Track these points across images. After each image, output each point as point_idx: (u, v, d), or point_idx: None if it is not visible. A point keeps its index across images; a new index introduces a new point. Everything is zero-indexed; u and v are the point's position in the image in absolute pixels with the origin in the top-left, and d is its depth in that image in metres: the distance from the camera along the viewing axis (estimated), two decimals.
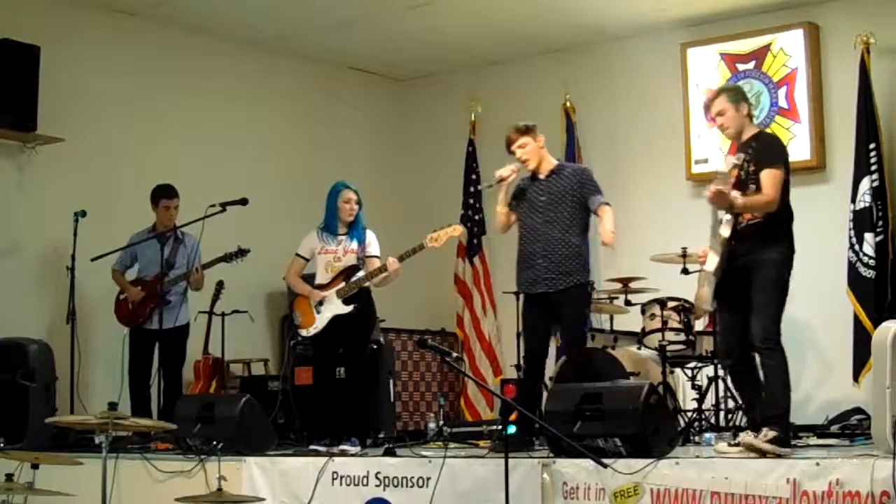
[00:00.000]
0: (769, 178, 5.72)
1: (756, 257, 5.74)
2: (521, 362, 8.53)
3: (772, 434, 5.46)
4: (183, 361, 8.27)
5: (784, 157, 5.84)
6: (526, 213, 6.91)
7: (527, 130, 6.90)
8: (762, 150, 5.83)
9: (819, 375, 8.55)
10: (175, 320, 8.10)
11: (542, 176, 6.90)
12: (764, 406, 5.73)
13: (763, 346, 5.68)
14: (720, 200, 5.72)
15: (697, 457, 5.55)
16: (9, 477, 5.53)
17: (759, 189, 5.75)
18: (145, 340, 8.09)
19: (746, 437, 5.52)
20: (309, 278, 7.69)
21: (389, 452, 6.43)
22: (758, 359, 5.77)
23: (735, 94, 6.04)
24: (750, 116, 6.04)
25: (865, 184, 8.28)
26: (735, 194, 5.72)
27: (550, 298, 6.78)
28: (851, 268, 8.27)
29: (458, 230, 7.50)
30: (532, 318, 6.97)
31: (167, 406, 7.76)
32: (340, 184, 7.63)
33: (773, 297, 5.71)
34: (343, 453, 6.65)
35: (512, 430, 5.76)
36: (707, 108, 6.12)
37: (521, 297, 7.19)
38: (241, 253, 8.11)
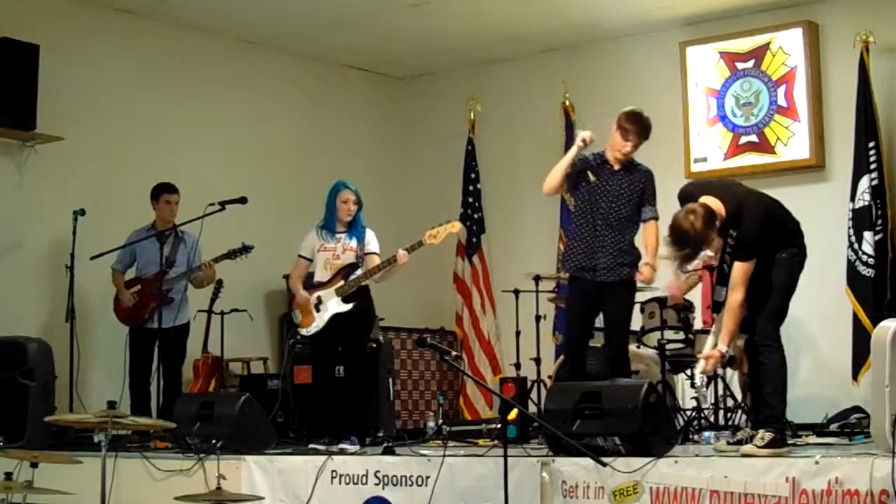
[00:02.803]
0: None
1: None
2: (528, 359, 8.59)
3: (768, 436, 5.47)
4: (183, 360, 8.28)
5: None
6: (588, 195, 6.83)
7: (647, 135, 6.87)
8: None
9: (818, 374, 8.55)
10: (175, 319, 8.12)
11: (616, 166, 6.85)
12: (760, 407, 5.76)
13: (763, 343, 5.71)
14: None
15: (697, 455, 5.55)
16: (8, 475, 5.54)
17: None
18: (145, 339, 8.09)
19: (744, 447, 5.53)
20: (308, 276, 7.68)
21: (388, 451, 6.43)
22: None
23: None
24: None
25: (864, 182, 8.28)
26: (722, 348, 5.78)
27: (598, 287, 6.76)
28: (850, 266, 8.27)
29: (456, 226, 7.50)
30: (577, 303, 6.93)
31: (166, 405, 7.76)
32: (340, 183, 7.63)
33: (780, 296, 5.76)
34: (342, 452, 6.65)
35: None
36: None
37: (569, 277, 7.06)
38: (246, 249, 8.10)
